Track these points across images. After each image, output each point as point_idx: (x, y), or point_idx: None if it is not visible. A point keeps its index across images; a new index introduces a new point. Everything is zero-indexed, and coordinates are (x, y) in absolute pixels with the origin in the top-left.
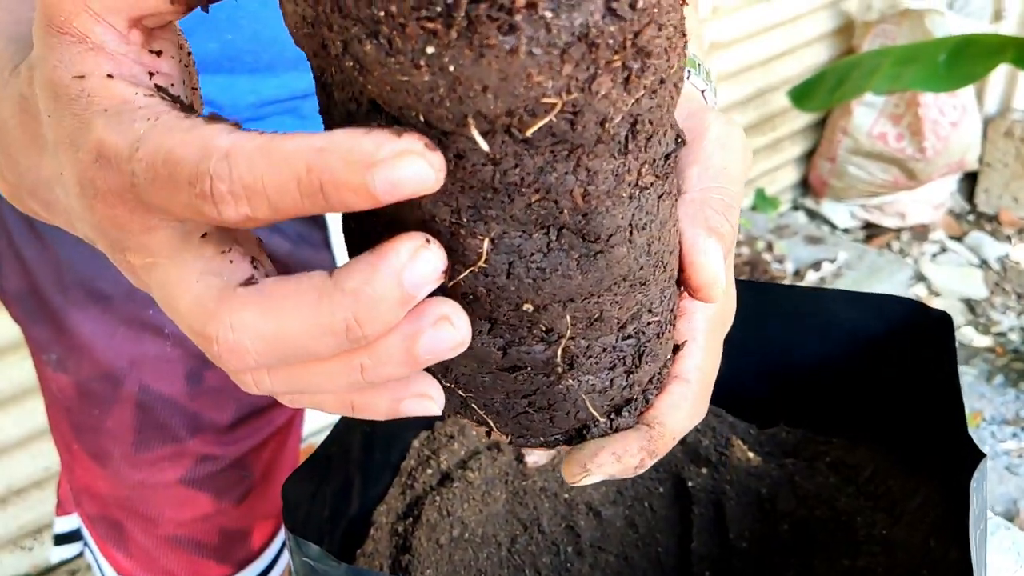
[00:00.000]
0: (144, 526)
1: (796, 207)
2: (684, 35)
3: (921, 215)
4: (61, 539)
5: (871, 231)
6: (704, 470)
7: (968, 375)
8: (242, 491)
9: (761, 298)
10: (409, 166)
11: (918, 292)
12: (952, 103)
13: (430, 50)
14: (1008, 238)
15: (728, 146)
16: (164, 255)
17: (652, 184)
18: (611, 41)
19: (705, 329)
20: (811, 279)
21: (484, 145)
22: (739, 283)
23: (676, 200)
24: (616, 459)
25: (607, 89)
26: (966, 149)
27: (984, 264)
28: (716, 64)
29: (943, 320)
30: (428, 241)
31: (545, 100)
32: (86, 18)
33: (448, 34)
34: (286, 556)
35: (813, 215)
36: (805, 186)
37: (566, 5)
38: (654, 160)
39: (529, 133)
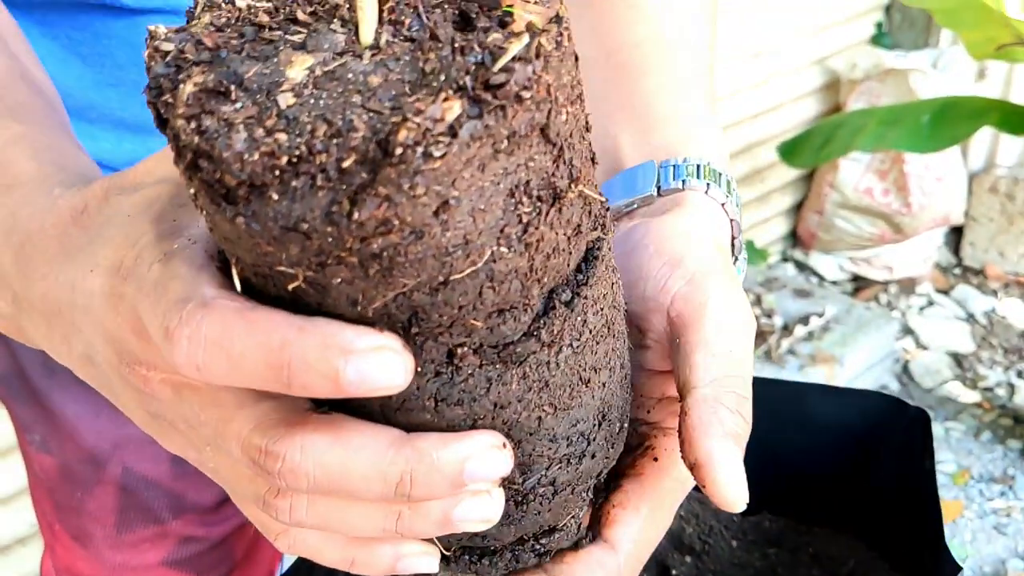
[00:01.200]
0: None
1: (785, 258)
2: (498, 244)
3: (908, 268)
4: None
5: (859, 283)
6: (688, 558)
7: (956, 431)
8: (224, 571)
9: None
10: (383, 361)
11: (905, 345)
12: (937, 159)
13: (191, 189)
14: (994, 292)
15: (729, 322)
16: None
17: (480, 366)
18: (331, 240)
19: (653, 499)
20: (799, 333)
21: (237, 284)
22: None
23: (547, 385)
24: None
25: (346, 278)
26: (951, 204)
27: (971, 318)
28: None
29: (920, 418)
30: (504, 446)
31: (281, 269)
32: None
33: (191, 183)
34: None
35: (802, 267)
36: (794, 238)
37: (290, 195)
38: (479, 345)
39: (289, 289)
